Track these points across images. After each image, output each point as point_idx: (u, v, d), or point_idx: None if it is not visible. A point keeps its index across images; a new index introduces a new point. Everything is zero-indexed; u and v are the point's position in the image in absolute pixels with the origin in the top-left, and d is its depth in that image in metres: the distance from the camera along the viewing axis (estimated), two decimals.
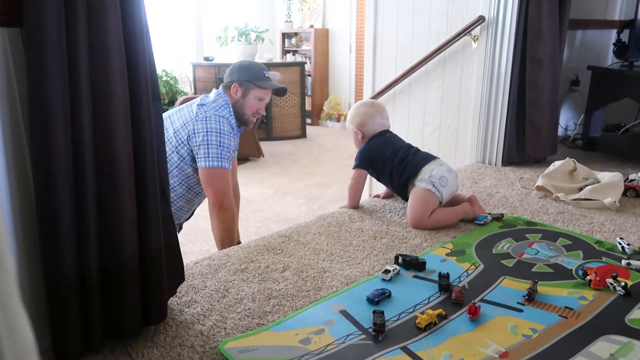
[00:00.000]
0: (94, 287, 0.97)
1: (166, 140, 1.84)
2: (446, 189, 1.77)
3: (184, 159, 1.83)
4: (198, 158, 1.78)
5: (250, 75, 1.88)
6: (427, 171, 1.77)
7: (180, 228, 2.08)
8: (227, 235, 1.81)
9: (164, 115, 1.92)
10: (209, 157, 1.76)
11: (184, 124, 1.81)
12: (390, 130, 1.98)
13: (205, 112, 1.80)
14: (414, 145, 1.94)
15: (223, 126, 1.78)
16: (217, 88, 1.93)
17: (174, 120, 1.86)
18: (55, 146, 0.88)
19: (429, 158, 1.84)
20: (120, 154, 0.96)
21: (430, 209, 1.73)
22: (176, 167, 1.85)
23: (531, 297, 1.25)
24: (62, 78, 0.87)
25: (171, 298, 1.22)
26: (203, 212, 2.20)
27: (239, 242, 1.96)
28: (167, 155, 1.85)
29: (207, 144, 1.76)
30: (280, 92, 1.98)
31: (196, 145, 1.77)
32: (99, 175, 0.96)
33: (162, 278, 1.08)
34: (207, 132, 1.77)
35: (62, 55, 0.86)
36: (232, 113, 1.87)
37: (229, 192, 1.81)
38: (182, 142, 1.80)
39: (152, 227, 1.04)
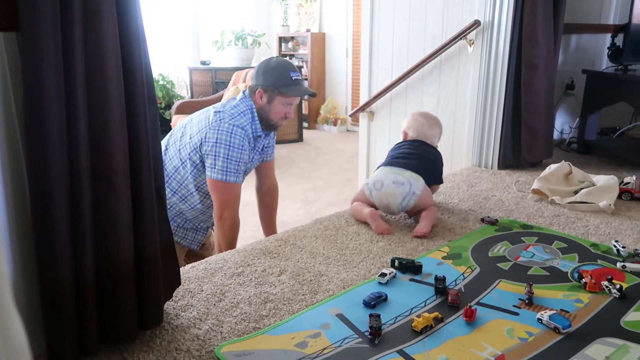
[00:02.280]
0: (89, 291, 0.96)
1: (183, 146, 1.80)
2: (376, 193, 1.80)
3: (196, 165, 1.78)
4: (206, 166, 1.75)
5: (275, 79, 1.77)
6: (376, 172, 1.89)
7: (206, 231, 2.06)
8: (226, 243, 1.79)
9: (187, 118, 1.88)
10: (214, 168, 1.72)
11: (199, 130, 1.76)
12: (426, 142, 1.96)
13: (220, 119, 1.72)
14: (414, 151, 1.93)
15: (234, 138, 1.71)
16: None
17: (192, 125, 1.81)
18: (51, 150, 0.88)
19: (393, 163, 1.85)
20: (116, 157, 0.96)
21: (359, 200, 1.88)
22: (191, 173, 1.81)
23: (531, 300, 1.25)
24: (58, 82, 0.87)
25: (167, 302, 1.22)
26: None
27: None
28: (183, 161, 1.81)
29: (215, 155, 1.71)
30: (312, 94, 1.92)
31: (205, 154, 1.73)
32: (94, 179, 0.95)
33: (158, 282, 1.08)
34: (216, 142, 1.70)
35: (58, 59, 0.86)
36: (256, 119, 1.79)
37: (232, 203, 1.77)
38: (195, 148, 1.76)
39: (148, 230, 1.04)
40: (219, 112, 1.76)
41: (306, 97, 2.05)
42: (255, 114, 1.80)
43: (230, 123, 1.72)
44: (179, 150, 1.82)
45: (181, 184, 1.84)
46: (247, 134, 1.75)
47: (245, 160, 1.77)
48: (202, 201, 1.86)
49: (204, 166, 1.77)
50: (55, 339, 0.95)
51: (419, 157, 1.89)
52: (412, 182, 1.78)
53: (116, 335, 1.04)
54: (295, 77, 1.81)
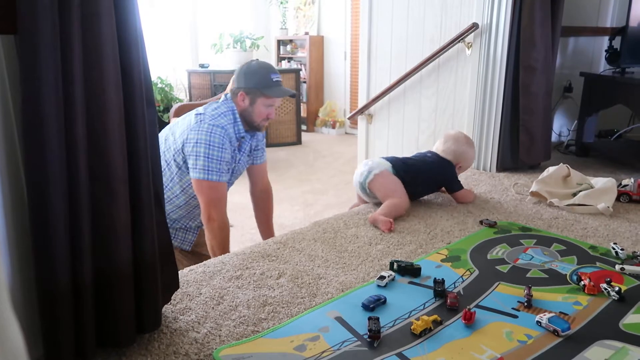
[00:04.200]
0: (87, 294, 0.96)
1: (167, 148, 1.84)
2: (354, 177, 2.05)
3: (180, 167, 1.82)
4: (189, 167, 1.77)
5: (257, 81, 1.82)
6: None
7: (197, 230, 2.07)
8: (217, 245, 1.80)
9: (173, 121, 1.93)
10: (196, 168, 1.74)
11: (182, 133, 1.80)
12: (436, 153, 2.15)
13: (201, 121, 1.76)
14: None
15: (214, 137, 1.74)
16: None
17: (176, 128, 1.85)
18: (49, 152, 0.88)
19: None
20: (114, 160, 0.96)
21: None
22: (176, 174, 1.84)
23: (530, 303, 1.25)
24: (56, 85, 0.87)
25: (165, 305, 1.21)
26: None
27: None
28: (168, 163, 1.84)
29: (196, 155, 1.74)
30: (293, 94, 1.96)
31: (187, 155, 1.77)
32: (93, 181, 0.95)
33: (157, 285, 1.08)
34: (196, 142, 1.74)
35: (57, 62, 0.86)
36: (238, 120, 1.83)
37: (218, 203, 1.79)
38: (178, 150, 1.80)
39: (147, 233, 1.04)
40: (200, 114, 1.80)
41: (297, 98, 2.09)
42: (237, 116, 1.84)
43: (210, 123, 1.76)
44: (164, 152, 1.86)
45: (166, 186, 1.87)
46: (227, 133, 1.78)
47: (227, 159, 1.79)
48: (187, 202, 1.90)
49: (187, 167, 1.80)
50: (53, 343, 0.94)
51: (410, 158, 2.11)
52: (373, 164, 1.99)
53: (114, 339, 1.03)
54: (276, 79, 1.86)
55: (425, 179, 2.06)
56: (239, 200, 2.16)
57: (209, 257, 1.83)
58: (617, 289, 1.29)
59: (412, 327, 1.13)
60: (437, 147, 2.14)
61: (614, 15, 3.12)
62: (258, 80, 1.82)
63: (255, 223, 2.21)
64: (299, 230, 1.77)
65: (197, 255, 2.04)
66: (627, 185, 2.13)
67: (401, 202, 1.90)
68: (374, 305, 1.23)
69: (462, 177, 2.49)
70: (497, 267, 1.47)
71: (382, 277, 1.36)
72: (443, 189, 2.15)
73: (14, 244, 0.94)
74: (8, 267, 0.94)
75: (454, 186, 2.10)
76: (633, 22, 2.71)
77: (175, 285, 1.20)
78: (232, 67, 5.58)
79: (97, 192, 0.96)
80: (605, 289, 1.30)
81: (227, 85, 4.81)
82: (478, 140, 2.60)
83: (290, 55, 6.79)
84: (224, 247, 1.80)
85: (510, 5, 2.36)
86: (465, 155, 2.11)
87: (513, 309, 1.24)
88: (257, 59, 1.99)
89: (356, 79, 5.37)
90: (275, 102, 1.87)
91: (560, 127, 3.28)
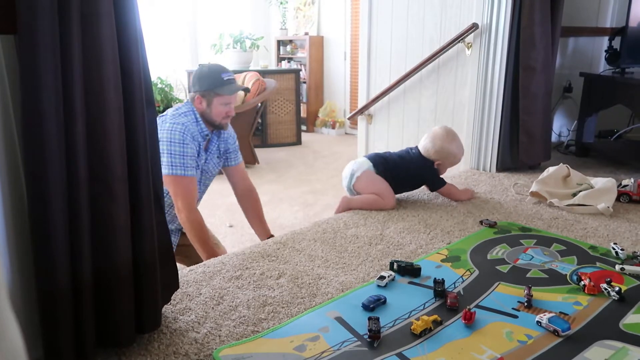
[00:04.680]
0: (87, 295, 0.96)
1: None
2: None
3: None
4: None
5: (209, 83, 1.90)
6: None
7: (178, 233, 2.08)
8: (193, 237, 1.83)
9: None
10: (161, 165, 1.80)
11: None
12: (419, 149, 2.14)
13: (162, 122, 1.85)
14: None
15: (174, 134, 1.81)
16: None
17: None
18: (49, 153, 0.87)
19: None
20: (114, 160, 0.96)
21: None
22: None
23: (530, 303, 1.25)
24: (56, 85, 0.87)
25: (165, 306, 1.21)
26: None
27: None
28: None
29: (160, 153, 1.80)
30: (245, 89, 2.05)
31: None
32: (92, 181, 0.95)
33: (156, 285, 1.08)
34: (158, 141, 1.80)
35: (56, 62, 0.86)
36: (200, 120, 1.90)
37: (184, 196, 1.83)
38: None
39: (146, 233, 1.04)
40: (163, 116, 1.89)
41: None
42: (198, 116, 1.91)
43: (170, 122, 1.84)
44: None
45: None
46: (187, 128, 1.85)
47: (190, 154, 1.84)
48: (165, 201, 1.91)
49: None
50: (53, 343, 0.94)
51: (393, 155, 2.14)
52: (355, 166, 2.07)
53: (114, 339, 1.03)
54: (227, 77, 1.93)
55: (404, 178, 2.10)
56: (234, 201, 2.16)
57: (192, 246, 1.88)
58: (617, 289, 1.29)
59: (412, 327, 1.13)
60: (420, 143, 2.14)
61: (613, 16, 3.12)
62: (210, 81, 1.90)
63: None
64: (299, 231, 1.77)
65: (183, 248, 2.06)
66: (627, 185, 2.13)
67: (378, 200, 2.00)
68: (374, 305, 1.23)
69: (462, 177, 2.49)
70: (497, 267, 1.47)
71: (382, 277, 1.36)
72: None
73: (13, 244, 0.94)
74: (8, 267, 0.94)
75: (433, 186, 2.14)
76: (633, 23, 2.71)
77: (175, 285, 1.20)
78: (232, 68, 5.58)
79: (97, 192, 0.96)
80: (605, 289, 1.30)
81: None
82: (478, 140, 2.60)
83: (290, 56, 6.79)
84: (200, 240, 1.82)
85: (510, 5, 2.36)
86: (444, 152, 2.07)
87: (513, 309, 1.24)
88: (209, 62, 2.06)
89: (356, 79, 5.38)
90: (231, 99, 1.94)
91: (560, 127, 3.28)
